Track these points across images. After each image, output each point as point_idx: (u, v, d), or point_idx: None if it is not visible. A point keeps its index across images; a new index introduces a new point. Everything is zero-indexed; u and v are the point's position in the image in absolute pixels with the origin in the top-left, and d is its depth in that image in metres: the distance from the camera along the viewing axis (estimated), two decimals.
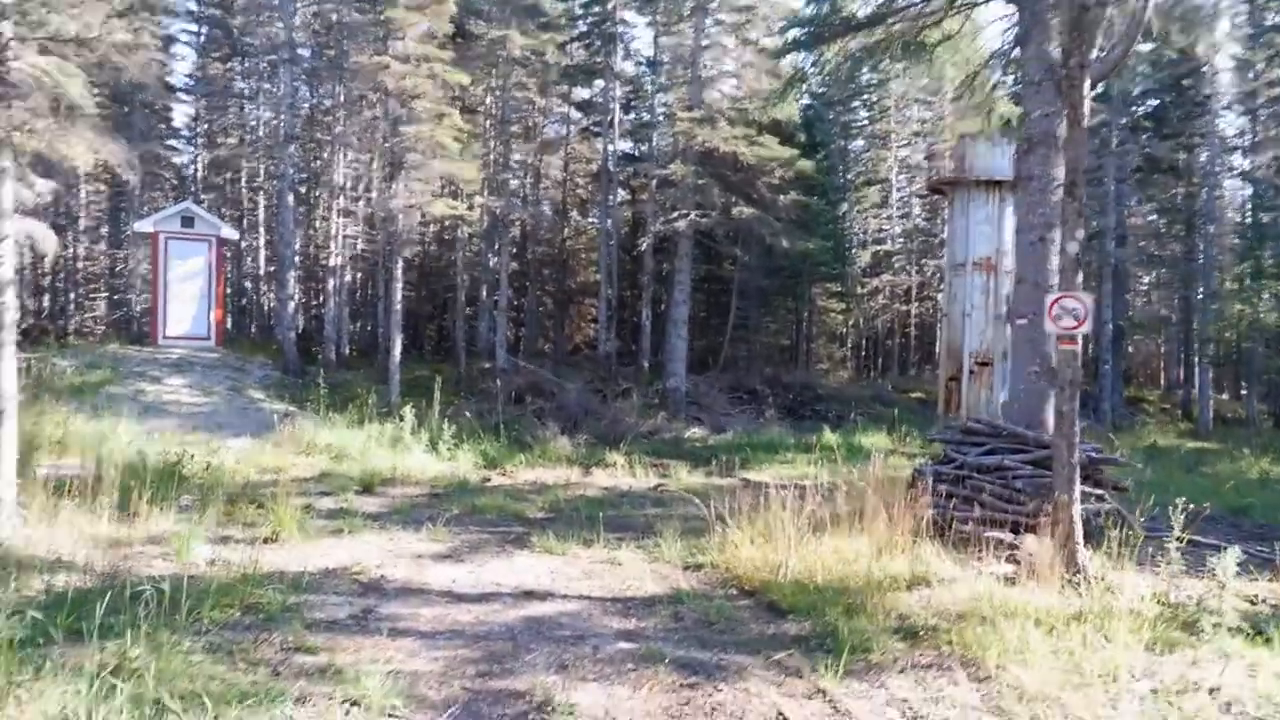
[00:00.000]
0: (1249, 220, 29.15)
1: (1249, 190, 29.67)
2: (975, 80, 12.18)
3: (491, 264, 22.22)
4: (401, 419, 13.45)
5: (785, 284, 26.99)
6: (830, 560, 6.97)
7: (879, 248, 33.32)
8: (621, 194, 25.96)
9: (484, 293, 23.23)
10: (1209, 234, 27.05)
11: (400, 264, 17.91)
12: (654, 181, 21.09)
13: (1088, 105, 6.86)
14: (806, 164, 19.28)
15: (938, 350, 34.39)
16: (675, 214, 18.25)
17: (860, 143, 35.80)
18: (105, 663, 4.13)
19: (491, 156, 21.69)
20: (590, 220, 31.41)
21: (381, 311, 23.91)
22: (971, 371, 23.29)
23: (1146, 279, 36.96)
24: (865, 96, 34.90)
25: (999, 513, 8.53)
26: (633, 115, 26.11)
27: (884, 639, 5.36)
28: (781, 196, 19.05)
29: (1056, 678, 4.74)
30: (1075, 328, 6.84)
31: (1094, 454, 9.05)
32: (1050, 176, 9.65)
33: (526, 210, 23.60)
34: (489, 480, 11.76)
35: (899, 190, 35.22)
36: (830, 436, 18.58)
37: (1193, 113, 25.95)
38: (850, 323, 35.17)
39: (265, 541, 7.29)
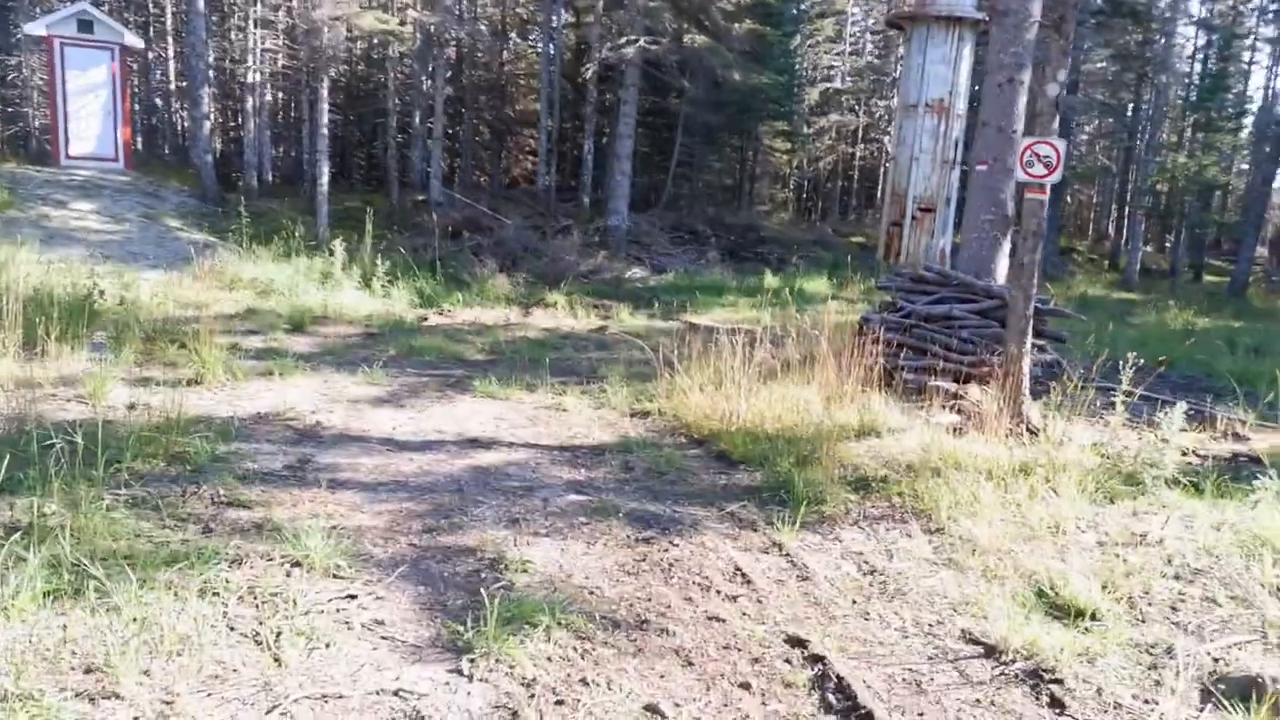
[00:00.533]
0: (1200, 71, 28.91)
1: (1203, 40, 29.28)
2: None
3: (425, 88, 20.79)
4: (331, 253, 12.78)
5: (732, 121, 26.06)
6: (780, 409, 6.89)
7: (829, 85, 32.24)
8: (565, 16, 24.27)
9: (417, 119, 21.87)
10: (1160, 84, 26.76)
11: (326, 84, 16.57)
12: (601, 2, 19.66)
13: None
14: None
15: (881, 194, 34.15)
16: (623, 40, 17.10)
17: None
18: (15, 522, 3.80)
19: None
20: (531, 44, 29.54)
21: (307, 135, 22.43)
22: (914, 217, 23.19)
23: (1089, 128, 36.86)
24: None
25: (946, 362, 8.55)
26: None
27: (836, 490, 5.33)
28: (736, 25, 17.95)
29: (1007, 530, 4.78)
30: (1046, 176, 6.59)
31: (1040, 304, 9.06)
32: (1028, 11, 9.12)
33: (463, 28, 21.88)
34: (426, 320, 11.35)
35: (854, 24, 33.80)
36: (772, 280, 18.49)
37: None
38: (794, 163, 34.51)
39: (189, 384, 6.87)
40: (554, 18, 23.22)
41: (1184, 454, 6.96)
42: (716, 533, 4.68)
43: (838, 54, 34.04)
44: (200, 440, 5.19)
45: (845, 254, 24.57)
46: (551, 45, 23.04)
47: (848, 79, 33.65)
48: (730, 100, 25.34)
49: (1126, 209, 28.50)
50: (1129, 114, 27.99)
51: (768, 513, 4.98)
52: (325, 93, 16.62)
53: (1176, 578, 4.35)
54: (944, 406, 7.56)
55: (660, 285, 16.97)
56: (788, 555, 4.43)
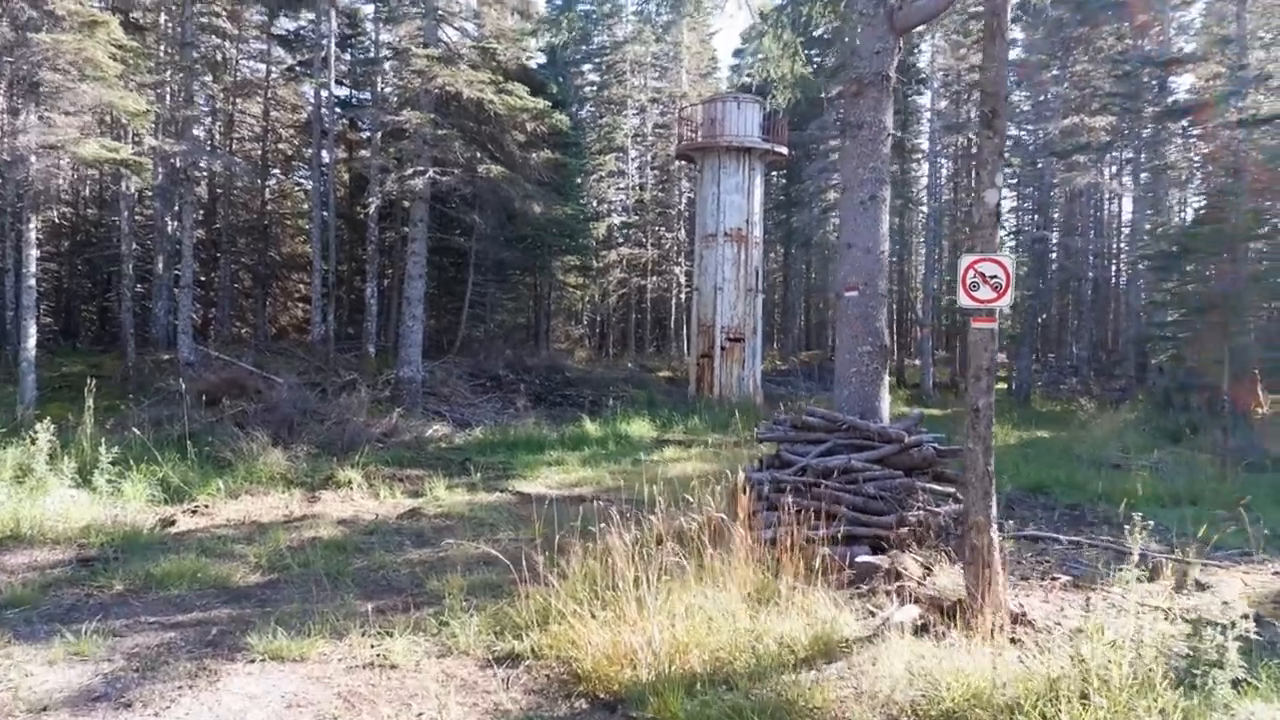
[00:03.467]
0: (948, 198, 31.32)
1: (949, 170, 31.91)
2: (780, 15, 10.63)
3: (171, 230, 17.82)
4: (34, 439, 9.56)
5: (526, 256, 24.78)
6: (699, 629, 4.99)
7: (620, 218, 32.06)
8: (338, 151, 22.26)
9: (160, 266, 18.69)
10: (922, 213, 28.57)
11: (34, 225, 13.40)
12: (380, 133, 17.91)
13: (1009, 14, 5.35)
14: (562, 118, 17.12)
15: (686, 326, 33.95)
16: (410, 171, 15.31)
17: (590, 108, 34.25)
18: None
19: (169, 89, 17.24)
20: (297, 181, 27.09)
21: (10, 288, 18.54)
22: (723, 348, 22.61)
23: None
24: (598, 59, 33.45)
25: (856, 526, 7.07)
26: (350, 55, 22.41)
27: None
28: (534, 154, 16.74)
29: None
30: (995, 299, 5.34)
31: (936, 446, 7.88)
32: (882, 124, 8.34)
33: (217, 161, 19.24)
34: (173, 524, 8.50)
35: (634, 159, 34.19)
36: (591, 427, 16.82)
37: (909, 91, 27.08)
38: (587, 299, 33.76)
39: None
40: (324, 153, 21.14)
41: (1168, 618, 5.73)
42: None
43: (621, 188, 34.16)
44: None
45: (657, 390, 23.49)
46: (323, 181, 20.85)
47: (634, 213, 33.70)
48: (523, 235, 24.13)
49: (912, 326, 29.74)
50: (897, 236, 29.68)
51: None
52: (33, 236, 13.43)
53: None
54: (888, 592, 5.98)
55: (470, 444, 14.75)
56: None
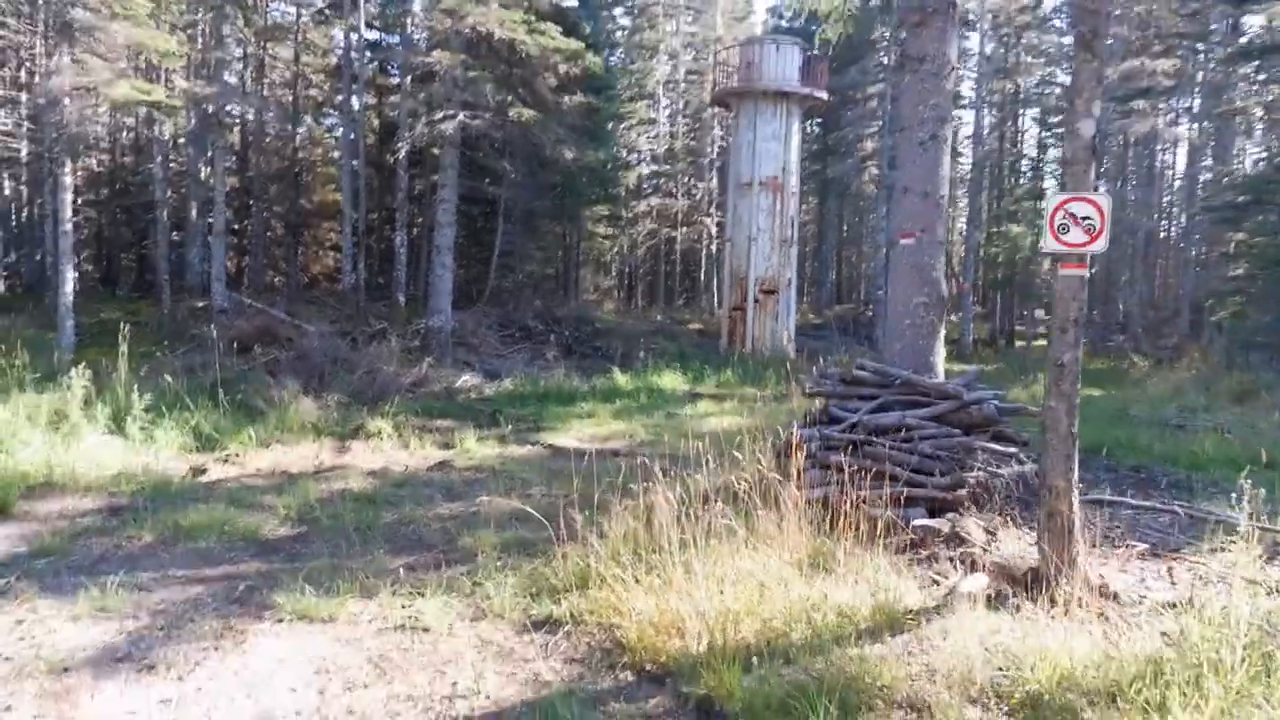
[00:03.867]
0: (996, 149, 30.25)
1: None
2: None
3: (204, 177, 17.58)
4: (69, 385, 9.42)
5: (556, 205, 24.29)
6: (750, 595, 4.68)
7: (650, 167, 31.38)
8: (367, 97, 21.81)
9: (194, 213, 18.49)
10: (963, 163, 27.61)
11: (69, 170, 13.18)
12: (409, 77, 17.44)
13: None
14: (596, 60, 16.51)
15: (716, 277, 33.34)
16: (441, 115, 14.85)
17: (621, 54, 33.37)
18: None
19: (200, 30, 16.84)
20: (329, 127, 26.68)
21: (49, 234, 18.46)
22: (757, 300, 22.11)
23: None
24: (629, 2, 32.49)
25: (912, 487, 6.69)
26: None
27: None
28: (567, 97, 16.18)
29: None
30: (1087, 244, 4.87)
31: (997, 403, 7.45)
32: (946, 57, 7.78)
33: (249, 105, 18.88)
34: (204, 472, 8.33)
35: (666, 108, 33.37)
36: (623, 379, 16.51)
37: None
38: (615, 249, 33.25)
39: None
40: (354, 99, 20.70)
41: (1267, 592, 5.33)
42: None
43: (652, 137, 33.38)
44: None
45: (688, 343, 23.10)
46: (353, 127, 20.45)
47: (664, 163, 32.97)
48: (554, 183, 23.62)
49: (951, 279, 28.93)
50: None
51: None
52: (69, 180, 13.23)
53: None
54: (950, 559, 5.63)
55: (500, 395, 14.50)
56: None
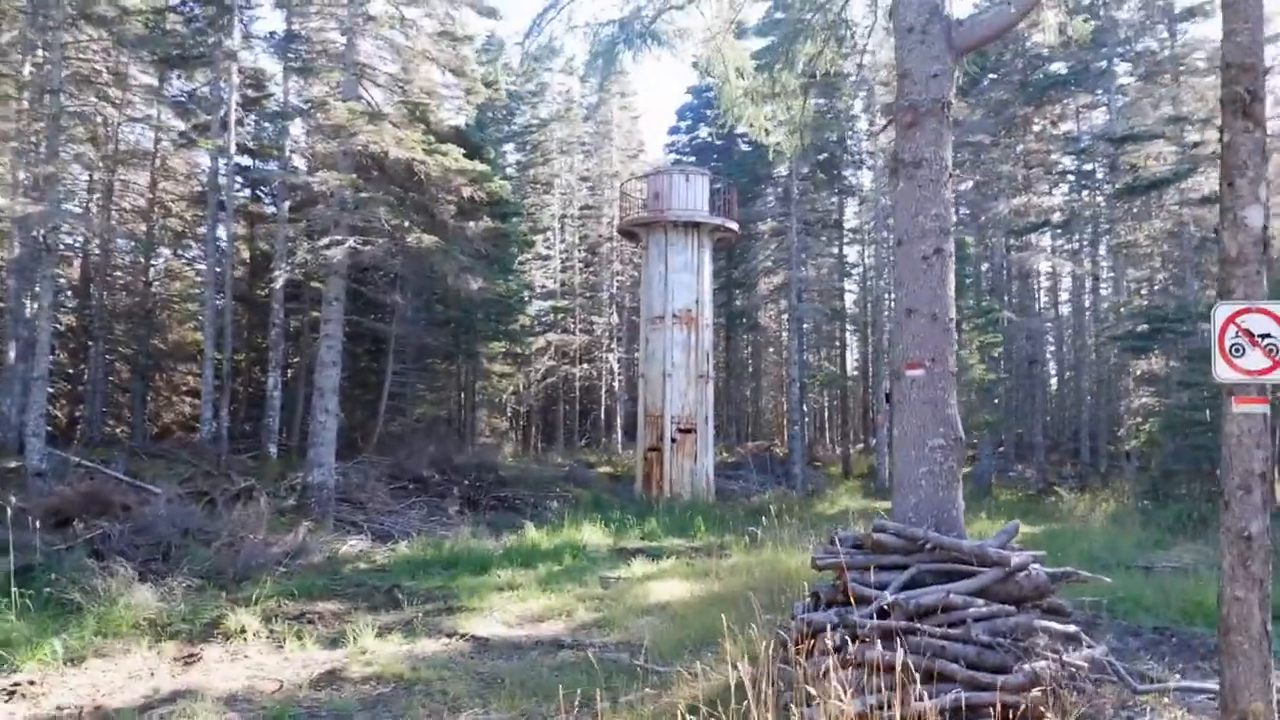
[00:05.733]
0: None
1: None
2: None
3: (28, 313, 14.95)
4: None
5: (451, 341, 22.46)
6: None
7: (546, 302, 30.09)
8: (236, 227, 19.77)
9: (12, 355, 15.69)
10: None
11: None
12: (288, 203, 15.63)
13: None
14: (502, 183, 15.20)
15: (621, 415, 31.76)
16: (326, 240, 13.03)
17: (513, 190, 32.59)
18: None
19: (31, 143, 14.63)
20: (190, 259, 24.24)
21: None
22: (674, 439, 20.59)
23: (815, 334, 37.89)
24: (521, 139, 31.98)
25: (973, 689, 5.04)
26: (254, 118, 20.12)
27: None
28: (471, 222, 14.67)
29: None
30: (1270, 370, 3.50)
31: (1039, 568, 5.95)
32: (944, 161, 6.69)
33: (88, 231, 16.53)
34: None
35: (562, 242, 32.50)
36: (536, 535, 14.45)
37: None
38: (513, 389, 31.37)
39: None
40: (221, 228, 18.64)
41: None
42: None
43: (548, 274, 32.28)
44: None
45: (600, 489, 21.22)
46: (219, 259, 18.32)
47: (562, 298, 31.81)
48: (449, 318, 21.89)
49: (872, 413, 28.39)
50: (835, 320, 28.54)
51: None
52: None
53: None
54: None
55: (397, 563, 12.16)
56: None
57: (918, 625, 5.29)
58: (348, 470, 16.73)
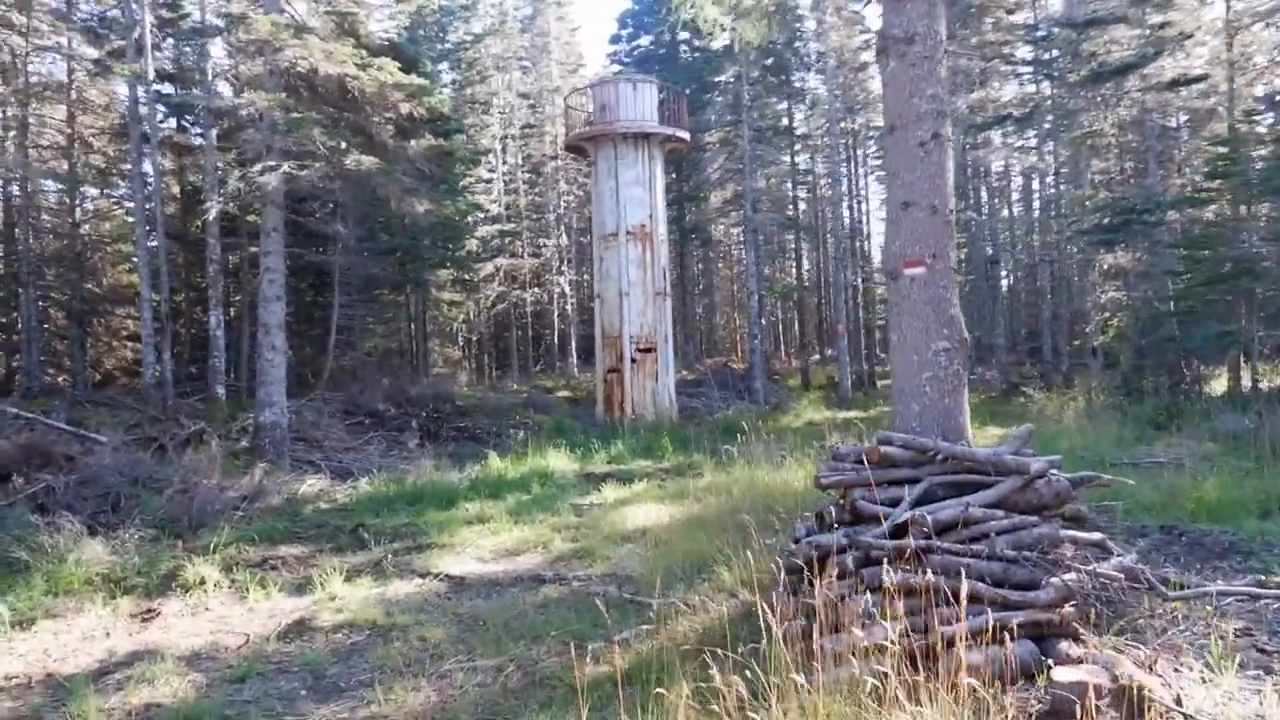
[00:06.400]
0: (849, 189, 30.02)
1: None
2: None
3: None
4: None
5: (398, 271, 21.60)
6: None
7: (496, 226, 29.12)
8: (163, 161, 18.50)
9: None
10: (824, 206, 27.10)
11: None
12: (215, 130, 14.55)
13: None
14: (441, 97, 14.29)
15: (575, 338, 31.24)
16: (259, 167, 12.10)
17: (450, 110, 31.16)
18: None
19: None
20: (118, 197, 22.83)
21: None
22: (634, 360, 20.20)
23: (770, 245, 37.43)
24: (455, 57, 30.45)
25: (1002, 609, 4.74)
26: (173, 41, 18.66)
27: None
28: (412, 141, 13.77)
29: None
30: None
31: (1058, 474, 5.68)
32: (938, 36, 6.20)
33: (10, 173, 15.30)
34: None
35: (505, 163, 31.34)
36: (501, 464, 14.04)
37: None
38: (463, 316, 30.60)
39: None
40: (146, 162, 17.40)
41: None
42: None
43: (492, 198, 31.19)
44: None
45: (561, 413, 20.84)
46: (147, 195, 17.17)
47: (508, 221, 30.83)
48: (394, 246, 20.99)
49: (822, 324, 28.23)
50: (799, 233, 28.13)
51: None
52: None
53: None
54: None
55: (360, 501, 11.71)
56: None
57: (937, 543, 4.98)
58: (300, 408, 16.11)
